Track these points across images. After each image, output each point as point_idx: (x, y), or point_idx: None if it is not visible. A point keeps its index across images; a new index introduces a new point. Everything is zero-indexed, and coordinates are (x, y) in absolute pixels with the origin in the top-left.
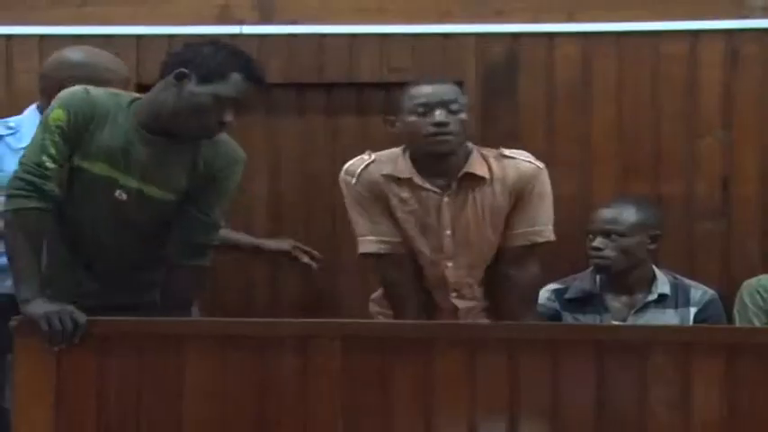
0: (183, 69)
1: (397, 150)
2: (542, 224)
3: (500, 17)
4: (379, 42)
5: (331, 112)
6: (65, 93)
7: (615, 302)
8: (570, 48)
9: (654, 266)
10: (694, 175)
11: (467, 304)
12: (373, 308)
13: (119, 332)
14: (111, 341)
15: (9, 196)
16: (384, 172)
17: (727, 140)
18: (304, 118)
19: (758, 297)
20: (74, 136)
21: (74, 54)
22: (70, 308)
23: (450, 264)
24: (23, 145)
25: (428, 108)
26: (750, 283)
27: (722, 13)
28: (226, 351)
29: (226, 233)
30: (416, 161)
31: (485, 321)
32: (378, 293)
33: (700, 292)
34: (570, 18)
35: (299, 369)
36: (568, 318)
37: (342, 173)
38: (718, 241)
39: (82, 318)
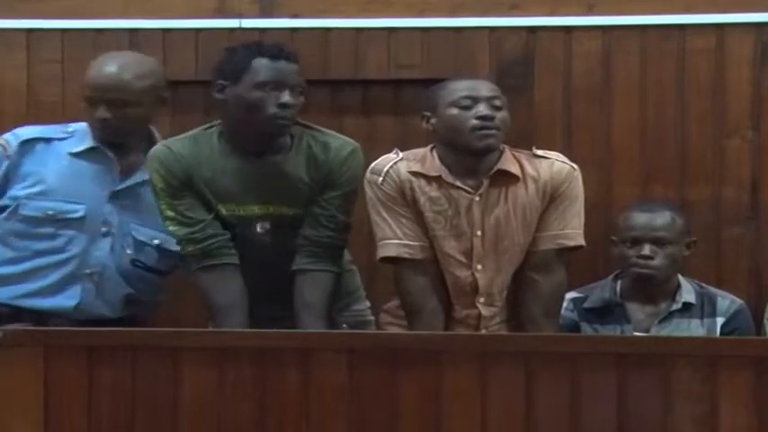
0: (219, 82)
1: (423, 149)
2: (573, 228)
3: (515, 10)
4: (387, 37)
5: (336, 111)
6: (150, 157)
7: (637, 312)
8: (589, 42)
9: (679, 275)
10: (721, 178)
11: (491, 311)
12: (385, 318)
13: (110, 343)
14: (103, 353)
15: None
16: (413, 170)
17: (757, 141)
18: (307, 117)
19: None
20: (182, 187)
21: (105, 68)
22: None
23: (479, 266)
24: (77, 150)
25: (473, 101)
26: None
27: (752, 5)
28: (223, 364)
29: None
30: (446, 159)
31: (500, 333)
32: (391, 303)
33: (727, 301)
34: (589, 11)
35: (301, 383)
36: (587, 329)
37: (368, 173)
38: (746, 248)
39: None
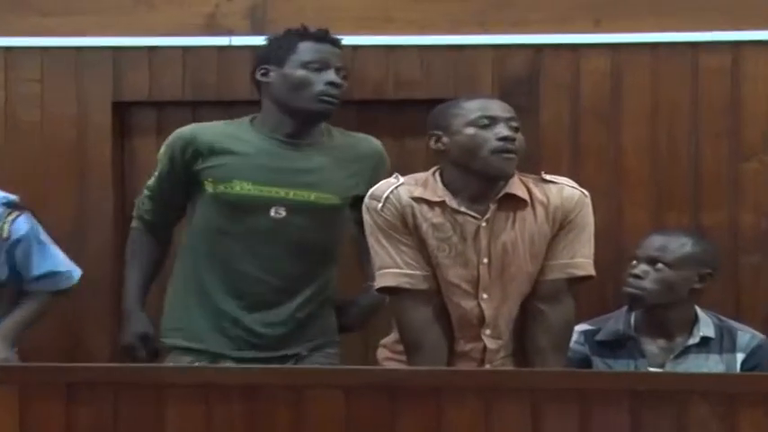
0: (263, 66)
1: (425, 173)
2: (583, 257)
3: (519, 27)
4: (385, 55)
5: None
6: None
7: (652, 346)
8: (597, 60)
9: (696, 307)
10: (738, 202)
11: (497, 344)
12: (383, 353)
13: (90, 380)
14: (82, 390)
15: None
16: (414, 195)
17: None
18: None
19: None
20: (180, 169)
21: None
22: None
23: (485, 295)
24: None
25: (491, 121)
26: None
27: None
28: (210, 402)
29: None
30: (452, 182)
31: (506, 367)
32: (390, 338)
33: (747, 336)
34: (597, 27)
35: (293, 422)
36: (599, 363)
37: (367, 198)
38: (765, 276)
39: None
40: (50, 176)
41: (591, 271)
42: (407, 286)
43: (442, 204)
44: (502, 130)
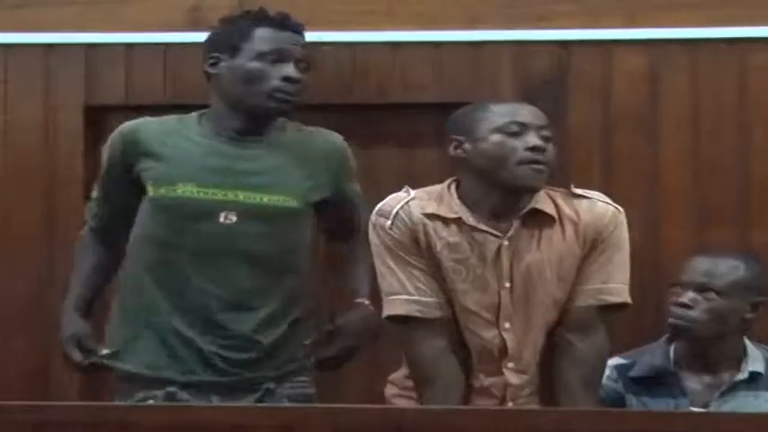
0: (212, 55)
1: (439, 186)
2: (617, 281)
3: (544, 22)
4: (391, 53)
5: None
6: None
7: (695, 383)
8: (632, 59)
9: (745, 339)
10: None
11: (521, 379)
12: (391, 390)
13: (59, 419)
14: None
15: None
16: (427, 211)
17: None
18: None
19: None
20: (120, 169)
21: None
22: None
23: (507, 325)
24: None
25: (521, 128)
26: None
27: None
28: None
29: None
30: (471, 195)
31: (531, 406)
32: (399, 373)
33: None
34: (631, 22)
35: None
36: (634, 402)
37: (373, 215)
38: None
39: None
40: (14, 189)
41: (626, 298)
42: (418, 315)
43: (458, 221)
44: (532, 139)
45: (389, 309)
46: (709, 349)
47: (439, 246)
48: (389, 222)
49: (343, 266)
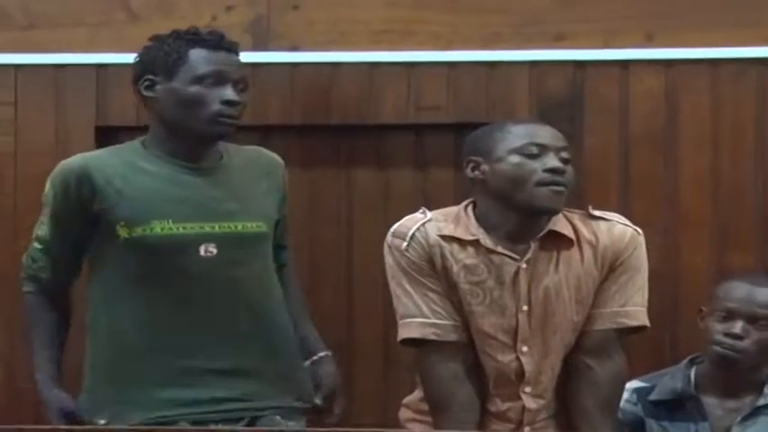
0: (147, 78)
1: (455, 208)
2: (636, 304)
3: (561, 41)
4: (406, 73)
5: (344, 162)
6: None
7: (716, 408)
8: (650, 79)
9: None
10: None
11: (538, 403)
12: (405, 414)
13: None
14: None
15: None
16: (444, 233)
17: None
18: (310, 169)
19: None
20: (75, 212)
21: None
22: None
23: (525, 348)
24: None
25: (540, 150)
26: None
27: None
28: None
29: None
30: (488, 217)
31: (548, 431)
32: (413, 396)
33: None
34: (649, 41)
35: None
36: (654, 426)
37: (389, 236)
38: None
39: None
40: (25, 210)
41: (644, 321)
42: (434, 338)
43: (475, 243)
44: (551, 160)
45: (405, 332)
46: (741, 376)
47: (455, 268)
48: (405, 244)
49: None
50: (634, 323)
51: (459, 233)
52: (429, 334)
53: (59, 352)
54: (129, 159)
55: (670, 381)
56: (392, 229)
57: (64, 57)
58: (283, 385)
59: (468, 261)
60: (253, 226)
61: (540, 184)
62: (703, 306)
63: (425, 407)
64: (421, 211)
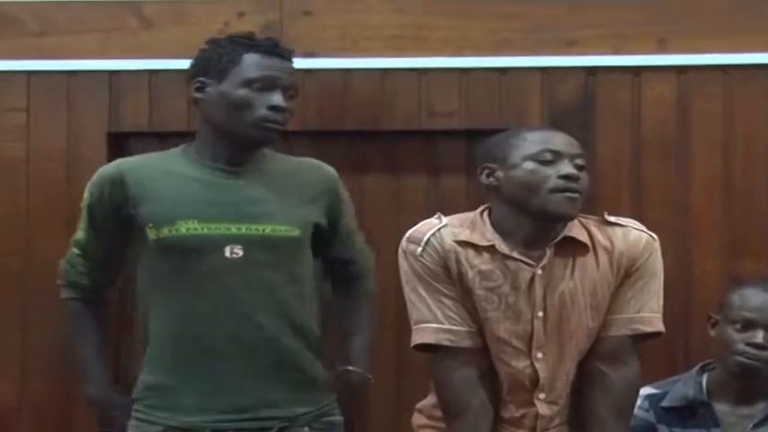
0: (198, 79)
1: (471, 213)
2: (651, 310)
3: (572, 47)
4: (417, 79)
5: (355, 168)
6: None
7: (728, 414)
8: (662, 86)
9: None
10: None
11: (552, 410)
12: (419, 420)
13: None
14: None
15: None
16: (459, 238)
17: None
18: None
19: None
20: (111, 217)
21: None
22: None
23: (540, 354)
24: None
25: (555, 156)
26: None
27: None
28: None
29: None
30: (503, 223)
31: None
32: (427, 401)
33: None
34: (661, 48)
35: None
36: None
37: (404, 241)
38: None
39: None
40: (36, 220)
41: (660, 327)
42: (448, 344)
43: (490, 249)
44: (565, 167)
45: (418, 337)
46: (756, 384)
47: (471, 273)
48: (420, 249)
49: (344, 336)
50: (649, 329)
51: (475, 239)
52: (443, 340)
53: (106, 358)
54: (165, 163)
55: (682, 387)
56: (407, 234)
57: (76, 63)
58: (306, 391)
59: (484, 267)
60: (283, 230)
61: (555, 190)
62: (712, 313)
63: (438, 412)
64: (436, 216)
